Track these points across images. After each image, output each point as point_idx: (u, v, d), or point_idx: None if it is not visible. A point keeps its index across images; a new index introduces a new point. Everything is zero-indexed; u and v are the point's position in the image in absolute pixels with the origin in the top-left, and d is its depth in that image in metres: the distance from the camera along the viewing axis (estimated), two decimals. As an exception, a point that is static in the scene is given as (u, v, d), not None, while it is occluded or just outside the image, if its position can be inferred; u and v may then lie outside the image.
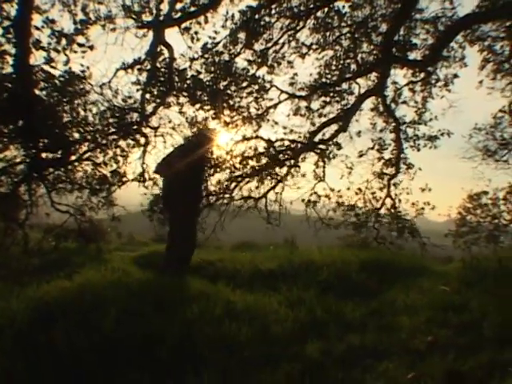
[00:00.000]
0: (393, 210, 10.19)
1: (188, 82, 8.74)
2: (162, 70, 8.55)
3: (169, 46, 8.62)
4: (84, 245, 11.19)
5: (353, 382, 2.88)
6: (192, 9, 8.44)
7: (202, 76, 8.89)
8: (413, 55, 9.48)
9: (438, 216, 11.11)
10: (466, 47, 9.80)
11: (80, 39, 7.58)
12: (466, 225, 10.69)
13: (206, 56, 8.84)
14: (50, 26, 7.37)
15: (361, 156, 10.13)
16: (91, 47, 7.66)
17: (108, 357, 3.20)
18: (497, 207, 10.51)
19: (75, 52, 7.54)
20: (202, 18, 8.94)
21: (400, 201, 10.20)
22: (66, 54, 7.45)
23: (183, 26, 8.64)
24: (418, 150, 9.86)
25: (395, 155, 10.12)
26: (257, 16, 8.94)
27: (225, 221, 9.65)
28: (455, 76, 9.92)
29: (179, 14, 8.32)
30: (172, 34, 8.97)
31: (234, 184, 9.58)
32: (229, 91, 9.28)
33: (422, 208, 9.99)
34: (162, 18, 8.37)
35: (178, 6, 8.31)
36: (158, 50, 8.63)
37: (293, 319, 4.10)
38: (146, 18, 8.48)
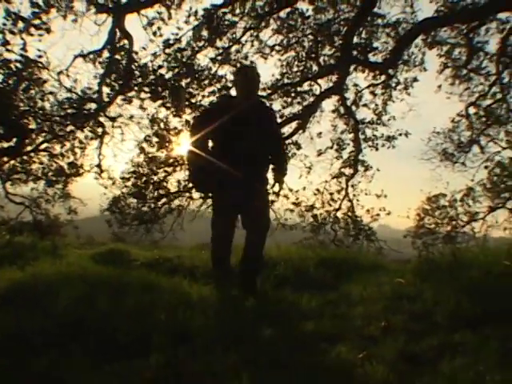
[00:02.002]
0: (350, 213, 10.29)
1: (150, 77, 8.64)
2: (122, 61, 8.39)
3: (129, 36, 8.49)
4: (39, 239, 10.90)
5: (305, 364, 2.85)
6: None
7: (163, 71, 8.81)
8: (374, 58, 9.61)
9: (399, 224, 11.31)
10: (425, 52, 9.98)
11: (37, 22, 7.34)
12: (424, 226, 10.86)
13: (168, 52, 8.76)
14: (5, 5, 7.13)
15: (319, 155, 10.21)
16: (48, 30, 7.45)
17: (57, 339, 3.11)
18: (454, 209, 10.72)
19: (31, 35, 7.32)
20: (165, 15, 8.89)
21: (358, 201, 10.31)
22: (22, 38, 7.24)
23: (146, 21, 8.57)
24: (377, 149, 9.98)
25: (353, 156, 10.24)
26: (220, 13, 8.90)
27: (184, 221, 9.55)
28: (415, 80, 10.10)
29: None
30: (133, 25, 8.81)
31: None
32: (191, 89, 9.22)
33: (378, 214, 10.12)
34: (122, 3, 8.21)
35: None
36: (119, 40, 8.45)
37: (247, 308, 4.07)
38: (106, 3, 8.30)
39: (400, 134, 10.05)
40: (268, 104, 8.70)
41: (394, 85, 10.21)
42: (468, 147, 11.02)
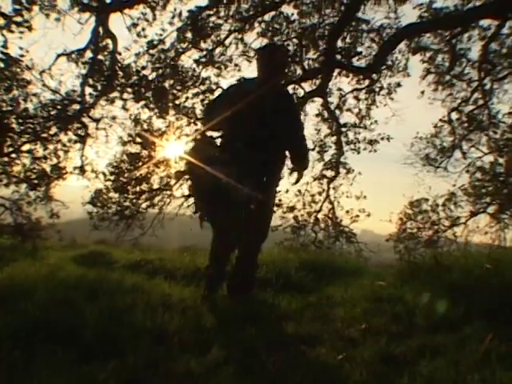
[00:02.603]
0: (331, 215, 10.32)
1: (133, 77, 8.59)
2: (105, 61, 8.33)
3: (113, 36, 8.43)
4: (20, 241, 10.75)
5: (284, 365, 2.83)
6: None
7: (147, 72, 8.76)
8: (358, 63, 9.66)
9: (382, 229, 11.33)
10: (409, 58, 10.04)
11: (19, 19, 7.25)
12: (406, 231, 10.91)
13: (152, 52, 8.73)
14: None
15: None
16: (30, 28, 7.36)
17: (34, 338, 3.05)
18: (436, 214, 10.78)
19: (12, 32, 7.22)
20: (150, 16, 8.86)
21: (339, 203, 10.34)
22: (3, 34, 7.15)
23: (130, 21, 8.52)
24: (358, 152, 10.02)
25: (335, 158, 10.28)
26: (205, 15, 8.89)
27: (164, 219, 9.50)
28: (398, 85, 10.15)
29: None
30: (117, 25, 8.75)
31: (174, 181, 9.47)
32: (174, 91, 9.19)
33: (357, 215, 10.16)
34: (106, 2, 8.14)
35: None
36: (102, 40, 8.39)
37: (227, 309, 4.04)
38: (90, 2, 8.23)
39: (382, 138, 10.13)
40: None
41: (377, 90, 10.28)
42: (450, 152, 11.13)
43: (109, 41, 8.37)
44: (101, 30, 8.28)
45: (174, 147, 9.82)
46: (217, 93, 9.79)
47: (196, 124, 9.56)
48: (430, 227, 10.78)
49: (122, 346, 3.01)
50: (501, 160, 9.66)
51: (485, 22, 9.20)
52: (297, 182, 4.83)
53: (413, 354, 3.00)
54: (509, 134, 9.75)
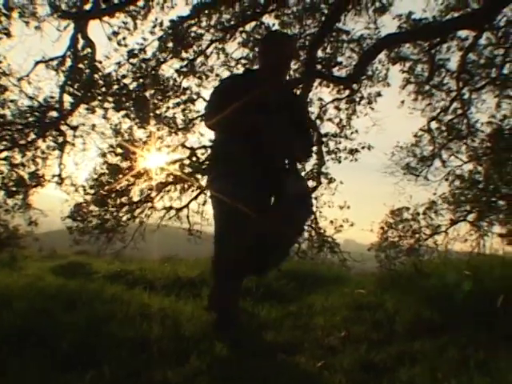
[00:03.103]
0: (313, 225, 10.34)
1: (114, 86, 8.55)
2: (85, 69, 8.28)
3: (92, 44, 8.39)
4: (-3, 251, 10.59)
5: (262, 373, 2.80)
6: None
7: (127, 82, 8.73)
8: (338, 73, 9.72)
9: (364, 239, 11.36)
10: (389, 68, 10.13)
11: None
12: (387, 239, 10.96)
13: (133, 62, 8.70)
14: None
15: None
16: (8, 34, 7.30)
17: (11, 347, 3.00)
18: (417, 222, 10.86)
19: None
20: (131, 25, 8.84)
21: (321, 212, 10.35)
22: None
23: (110, 29, 8.49)
24: (339, 161, 10.07)
25: (317, 168, 10.32)
26: (186, 25, 8.90)
27: (146, 231, 9.45)
28: (379, 94, 10.22)
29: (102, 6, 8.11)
30: (98, 33, 8.71)
31: (155, 193, 9.43)
32: (155, 100, 9.16)
33: (341, 225, 10.19)
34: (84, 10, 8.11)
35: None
36: (81, 47, 8.35)
37: (206, 319, 4.00)
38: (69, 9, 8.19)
39: (363, 147, 10.17)
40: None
41: (358, 99, 10.35)
42: (430, 161, 11.25)
43: (88, 49, 8.34)
44: (80, 37, 8.25)
45: (155, 158, 9.79)
46: (198, 103, 9.82)
47: (177, 134, 9.56)
48: (412, 236, 10.86)
49: (100, 356, 2.96)
50: (480, 168, 9.78)
51: (463, 33, 9.35)
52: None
53: (392, 361, 3.00)
54: (487, 143, 9.86)
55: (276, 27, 9.43)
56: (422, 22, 8.91)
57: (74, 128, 8.89)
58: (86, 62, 8.40)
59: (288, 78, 3.84)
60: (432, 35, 8.59)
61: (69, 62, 8.28)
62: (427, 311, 3.90)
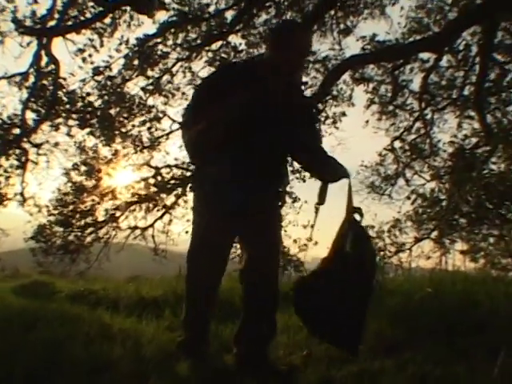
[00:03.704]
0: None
1: (78, 104, 8.48)
2: (49, 86, 8.19)
3: (56, 61, 8.30)
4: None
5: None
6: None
7: (92, 99, 8.66)
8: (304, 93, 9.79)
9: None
10: (354, 88, 10.28)
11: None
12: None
13: (98, 79, 8.65)
14: None
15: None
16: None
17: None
18: (382, 240, 10.95)
19: None
20: (97, 42, 8.81)
21: (286, 231, 10.35)
22: None
23: (74, 46, 8.44)
24: (304, 181, 10.12)
25: (281, 187, 10.32)
26: (152, 43, 8.89)
27: (110, 251, 9.33)
28: (343, 114, 10.33)
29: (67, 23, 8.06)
30: (62, 50, 8.63)
31: (119, 213, 9.32)
32: (121, 118, 9.10)
33: (305, 244, 10.22)
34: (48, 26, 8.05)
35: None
36: (45, 63, 8.26)
37: (168, 341, 3.96)
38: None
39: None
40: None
41: (322, 119, 10.45)
42: (394, 180, 11.43)
43: (52, 65, 8.25)
44: (43, 54, 8.18)
45: (121, 176, 9.72)
46: (164, 121, 9.79)
47: (143, 152, 9.51)
48: (377, 253, 10.93)
49: (58, 379, 2.90)
50: (441, 186, 9.97)
51: (424, 55, 9.60)
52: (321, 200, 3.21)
53: (353, 378, 3.02)
54: (449, 162, 10.07)
55: (243, 47, 9.51)
56: (385, 43, 9.11)
57: (37, 146, 8.77)
58: (49, 78, 8.32)
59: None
60: (395, 57, 8.79)
61: (32, 79, 8.20)
62: (388, 329, 3.93)
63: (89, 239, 9.54)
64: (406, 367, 3.10)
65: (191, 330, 3.37)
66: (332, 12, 9.50)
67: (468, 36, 8.94)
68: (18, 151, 8.54)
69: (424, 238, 10.48)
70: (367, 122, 11.19)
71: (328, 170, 3.04)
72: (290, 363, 3.44)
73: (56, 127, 8.51)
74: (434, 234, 10.15)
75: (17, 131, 8.33)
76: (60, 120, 8.46)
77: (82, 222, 9.42)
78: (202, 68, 9.74)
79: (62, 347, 3.46)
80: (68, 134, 8.78)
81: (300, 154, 3.24)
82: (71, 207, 9.22)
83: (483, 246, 8.71)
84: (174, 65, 9.35)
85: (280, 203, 3.39)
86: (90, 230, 9.54)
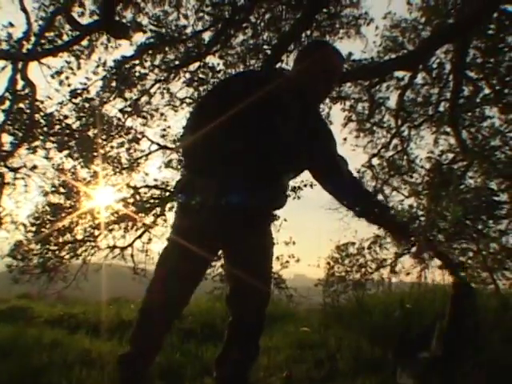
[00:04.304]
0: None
1: (55, 126, 8.44)
2: (26, 110, 8.15)
3: (32, 85, 8.28)
4: None
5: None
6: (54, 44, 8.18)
7: (70, 121, 8.63)
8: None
9: (315, 273, 11.35)
10: (331, 107, 10.38)
11: None
12: (334, 274, 11.04)
13: (76, 101, 8.63)
14: None
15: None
16: None
17: None
18: (363, 257, 11.00)
19: None
20: (74, 64, 8.81)
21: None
22: None
23: (54, 69, 8.43)
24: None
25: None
26: (130, 65, 8.91)
27: (88, 270, 9.24)
28: (321, 133, 10.36)
29: (41, 49, 8.05)
30: (37, 71, 8.59)
31: (98, 232, 9.26)
32: (99, 140, 9.08)
33: (287, 261, 10.23)
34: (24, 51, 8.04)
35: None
36: (21, 87, 8.23)
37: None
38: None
39: (305, 185, 10.30)
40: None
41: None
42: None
43: (27, 89, 8.21)
44: (19, 78, 8.15)
45: (100, 197, 9.66)
46: (143, 142, 9.80)
47: (121, 173, 9.49)
48: (358, 270, 11.00)
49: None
50: (419, 202, 10.06)
51: (400, 74, 9.75)
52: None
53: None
54: (427, 178, 10.18)
55: (221, 67, 9.56)
56: (361, 62, 9.24)
57: (14, 170, 8.71)
58: (26, 101, 8.28)
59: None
60: (371, 75, 8.90)
61: (8, 103, 8.14)
62: (368, 348, 3.95)
63: (67, 257, 9.44)
64: (386, 386, 3.12)
65: (137, 346, 2.74)
66: (308, 32, 9.61)
67: (441, 54, 9.14)
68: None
69: (404, 253, 10.54)
70: (345, 139, 11.30)
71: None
72: (270, 385, 3.45)
73: (34, 150, 8.47)
74: (414, 249, 10.20)
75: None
76: (37, 143, 8.43)
77: (60, 240, 9.33)
78: (180, 89, 9.79)
79: (39, 375, 3.42)
80: (46, 157, 8.74)
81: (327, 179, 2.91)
82: (49, 225, 9.14)
83: (461, 260, 8.80)
84: (152, 86, 9.37)
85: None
86: (67, 247, 9.45)
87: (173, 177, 9.96)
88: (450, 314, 3.03)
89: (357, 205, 2.95)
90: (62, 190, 9.25)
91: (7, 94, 8.07)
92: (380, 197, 11.12)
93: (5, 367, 3.52)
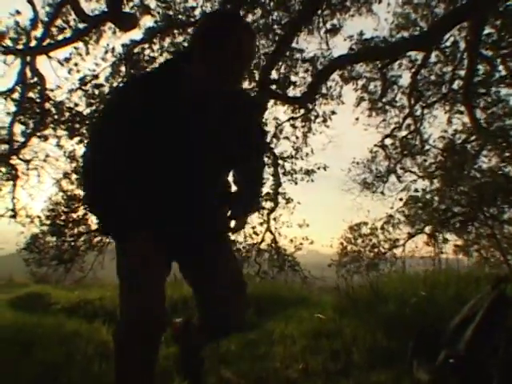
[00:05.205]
0: (273, 245, 10.36)
1: (66, 114, 8.42)
2: (36, 100, 8.13)
3: (41, 77, 8.25)
4: None
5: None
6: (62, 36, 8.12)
7: (80, 108, 8.61)
8: (292, 92, 9.80)
9: (327, 248, 11.39)
10: (342, 86, 10.27)
11: None
12: (347, 254, 11.07)
13: (85, 88, 8.59)
14: None
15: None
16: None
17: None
18: (376, 236, 11.00)
19: None
20: (83, 50, 8.76)
21: (280, 234, 10.38)
22: None
23: (62, 56, 8.39)
24: (296, 183, 10.16)
25: (274, 189, 10.36)
26: (139, 49, 8.85)
27: (105, 259, 9.31)
28: (333, 112, 10.33)
29: (48, 41, 8.02)
30: (46, 63, 8.53)
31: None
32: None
33: (301, 243, 10.25)
34: (32, 45, 8.00)
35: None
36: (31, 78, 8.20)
37: (165, 356, 3.96)
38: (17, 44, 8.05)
39: (318, 168, 10.27)
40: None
41: (313, 118, 10.46)
42: (386, 177, 11.45)
43: (37, 80, 8.16)
44: (28, 71, 8.12)
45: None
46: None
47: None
48: (371, 250, 11.01)
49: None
50: (432, 185, 9.97)
51: (412, 54, 9.59)
52: (236, 230, 2.66)
53: (349, 395, 3.04)
54: (441, 158, 10.08)
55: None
56: (373, 40, 9.11)
57: (27, 161, 8.74)
58: (35, 90, 8.24)
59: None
60: (383, 56, 8.80)
61: (18, 94, 8.10)
62: (384, 339, 3.93)
63: (82, 247, 9.50)
64: (403, 379, 3.12)
65: None
66: (319, 11, 9.47)
67: (455, 31, 8.95)
68: (6, 168, 8.48)
69: (418, 233, 10.52)
70: (357, 119, 11.23)
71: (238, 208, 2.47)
72: (287, 377, 3.46)
73: (45, 138, 8.47)
74: (428, 228, 10.18)
75: (5, 147, 8.29)
76: (49, 131, 8.42)
77: (75, 231, 9.37)
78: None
79: (60, 370, 3.45)
80: (58, 145, 8.74)
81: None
82: (63, 217, 9.16)
83: (477, 241, 8.76)
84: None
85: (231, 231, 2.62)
86: (83, 238, 9.50)
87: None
88: (482, 318, 2.99)
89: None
90: (74, 176, 9.27)
91: (17, 87, 8.03)
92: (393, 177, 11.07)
93: (25, 362, 3.56)
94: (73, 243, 9.33)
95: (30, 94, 8.16)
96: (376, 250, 10.96)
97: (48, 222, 9.16)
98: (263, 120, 9.53)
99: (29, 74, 8.06)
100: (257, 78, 9.64)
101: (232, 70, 2.11)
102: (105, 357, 3.84)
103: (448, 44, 9.16)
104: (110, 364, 3.63)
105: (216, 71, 2.08)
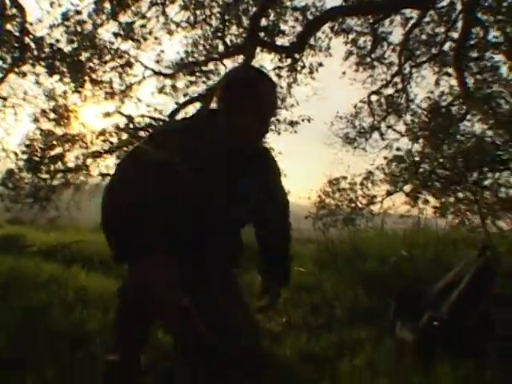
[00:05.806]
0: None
1: (46, 50, 8.09)
2: (14, 33, 7.77)
3: (21, 8, 7.85)
4: None
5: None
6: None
7: (62, 45, 8.27)
8: (281, 41, 9.61)
9: (305, 200, 11.39)
10: (332, 38, 10.08)
11: None
12: (324, 208, 11.11)
13: (68, 24, 8.24)
14: None
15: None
16: None
17: None
18: (354, 192, 11.04)
19: None
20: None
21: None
22: None
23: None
24: (279, 133, 10.09)
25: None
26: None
27: (83, 200, 9.17)
28: (320, 64, 10.18)
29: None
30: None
31: (90, 160, 9.09)
32: (91, 64, 8.76)
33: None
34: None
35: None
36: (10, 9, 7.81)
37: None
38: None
39: (303, 120, 10.18)
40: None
41: (299, 68, 10.29)
42: (369, 133, 11.42)
43: (16, 11, 7.77)
44: (7, 1, 7.69)
45: (91, 124, 9.44)
46: (136, 67, 9.47)
47: (113, 98, 9.21)
48: (348, 205, 11.06)
49: (38, 356, 2.82)
50: (416, 147, 9.97)
51: (407, 11, 9.37)
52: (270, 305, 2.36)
53: (332, 351, 3.07)
54: (425, 118, 10.05)
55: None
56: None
57: (4, 98, 8.44)
58: (14, 23, 7.86)
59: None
60: (375, 12, 8.63)
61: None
62: (365, 296, 3.99)
63: (58, 184, 9.32)
64: (384, 339, 3.17)
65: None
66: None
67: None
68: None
69: (396, 191, 10.57)
70: (344, 73, 11.08)
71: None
72: (270, 330, 3.49)
73: (23, 74, 8.16)
74: (407, 187, 10.24)
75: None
76: (27, 67, 8.11)
77: (52, 168, 9.19)
78: (176, 13, 9.37)
79: (38, 318, 3.36)
80: (36, 82, 8.44)
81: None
82: (40, 153, 8.96)
83: (455, 204, 8.86)
84: (148, 9, 8.95)
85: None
86: (59, 175, 9.32)
87: (166, 103, 9.82)
88: (468, 284, 3.00)
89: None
90: (52, 115, 9.02)
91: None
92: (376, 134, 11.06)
93: (5, 306, 3.50)
94: (48, 181, 9.14)
95: (8, 27, 7.79)
96: (353, 204, 11.00)
97: (24, 157, 8.94)
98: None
99: (8, 3, 7.66)
100: (245, 25, 9.40)
101: (267, 121, 2.09)
102: (84, 303, 3.81)
103: (444, 4, 8.97)
104: (91, 311, 3.61)
105: (252, 121, 2.00)
